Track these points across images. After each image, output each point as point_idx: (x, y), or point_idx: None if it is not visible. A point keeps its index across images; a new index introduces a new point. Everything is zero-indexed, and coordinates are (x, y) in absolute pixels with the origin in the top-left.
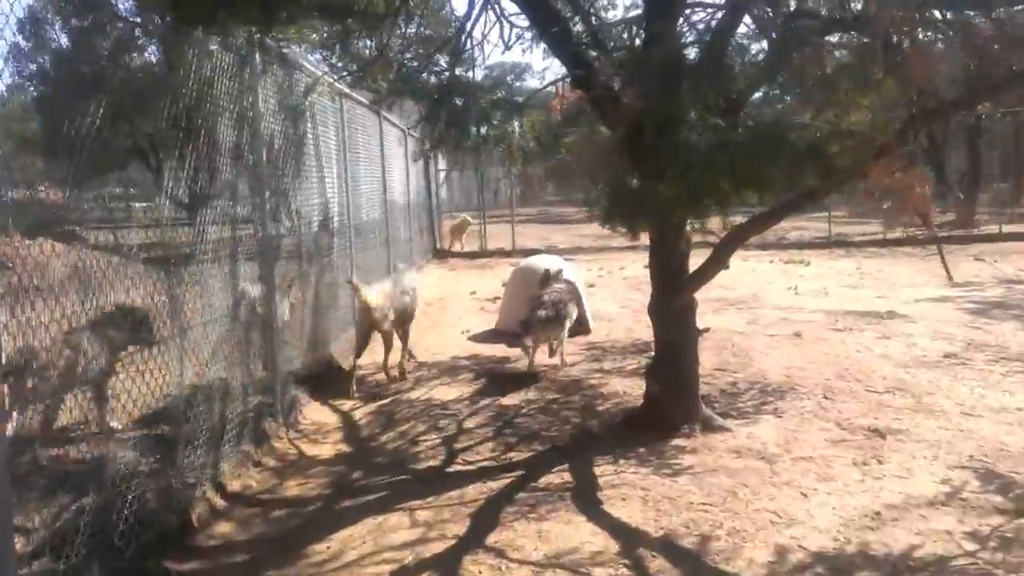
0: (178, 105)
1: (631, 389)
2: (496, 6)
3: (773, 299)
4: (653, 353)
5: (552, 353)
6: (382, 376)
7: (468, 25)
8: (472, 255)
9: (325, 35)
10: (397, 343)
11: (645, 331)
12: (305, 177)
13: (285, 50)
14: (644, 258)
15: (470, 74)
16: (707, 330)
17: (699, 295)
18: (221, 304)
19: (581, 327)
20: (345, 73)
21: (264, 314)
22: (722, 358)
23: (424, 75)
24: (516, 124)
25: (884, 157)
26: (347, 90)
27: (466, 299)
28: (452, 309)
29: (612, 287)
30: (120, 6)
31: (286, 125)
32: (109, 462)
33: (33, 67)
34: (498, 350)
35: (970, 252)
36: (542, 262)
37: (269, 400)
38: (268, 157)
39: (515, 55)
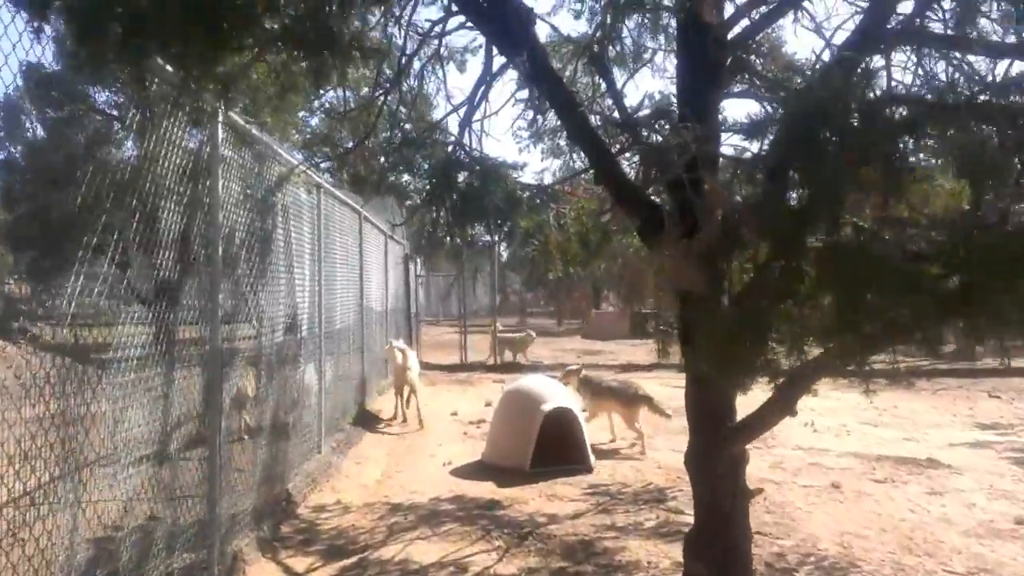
0: (104, 178)
1: (656, 558)
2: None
3: (791, 437)
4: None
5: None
6: (346, 523)
7: (479, 92)
8: (451, 367)
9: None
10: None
11: (655, 471)
12: (272, 277)
13: (255, 130)
14: (640, 377)
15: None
16: (760, 491)
17: None
18: (144, 427)
19: (580, 465)
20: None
21: (208, 439)
22: (757, 516)
23: (425, 149)
24: (551, 216)
25: None
26: (327, 184)
27: (446, 421)
28: (431, 433)
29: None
30: (97, 98)
31: (252, 217)
32: None
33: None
34: (486, 489)
35: (982, 387)
36: (535, 386)
37: (202, 557)
38: (226, 252)
39: (510, 151)
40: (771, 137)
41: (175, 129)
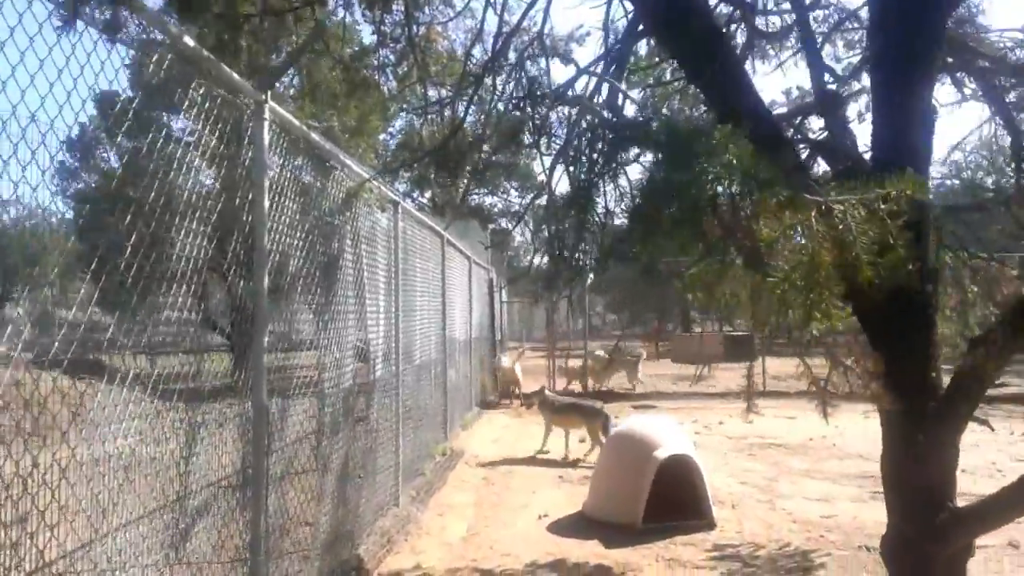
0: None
1: None
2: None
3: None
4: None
5: None
6: None
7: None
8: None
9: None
10: None
11: (789, 526)
12: (338, 309)
13: (314, 134)
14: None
15: None
16: None
17: (835, 471)
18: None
19: (700, 520)
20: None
21: (252, 493)
22: None
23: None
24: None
25: None
26: (405, 203)
27: (538, 462)
28: (521, 478)
29: (718, 450)
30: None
31: (311, 239)
32: None
33: (79, 186)
34: (591, 551)
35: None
36: (647, 429)
37: None
38: (273, 279)
39: None
40: None
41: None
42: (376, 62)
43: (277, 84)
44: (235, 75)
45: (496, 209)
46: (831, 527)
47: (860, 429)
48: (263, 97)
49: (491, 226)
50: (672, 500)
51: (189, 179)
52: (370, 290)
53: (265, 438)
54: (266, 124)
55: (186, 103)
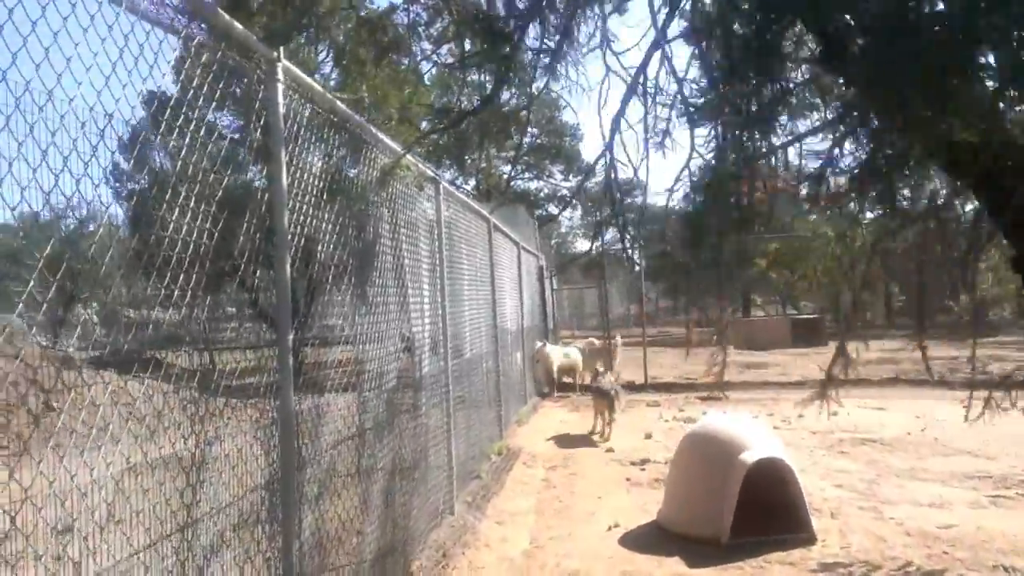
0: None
1: None
2: None
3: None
4: None
5: None
6: None
7: None
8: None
9: None
10: None
11: (903, 539)
12: (376, 298)
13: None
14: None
15: None
16: None
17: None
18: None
19: (798, 534)
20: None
21: (281, 523)
22: None
23: None
24: None
25: None
26: (446, 183)
27: (602, 460)
28: (585, 481)
29: (802, 447)
30: (221, 122)
31: (342, 220)
32: None
33: (133, 186)
34: (671, 571)
35: None
36: (729, 428)
37: None
38: (297, 265)
39: None
40: None
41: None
42: (407, 19)
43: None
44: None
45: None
46: (953, 540)
47: (959, 421)
48: (275, 55)
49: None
50: (762, 510)
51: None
52: (412, 278)
53: (296, 448)
54: (280, 87)
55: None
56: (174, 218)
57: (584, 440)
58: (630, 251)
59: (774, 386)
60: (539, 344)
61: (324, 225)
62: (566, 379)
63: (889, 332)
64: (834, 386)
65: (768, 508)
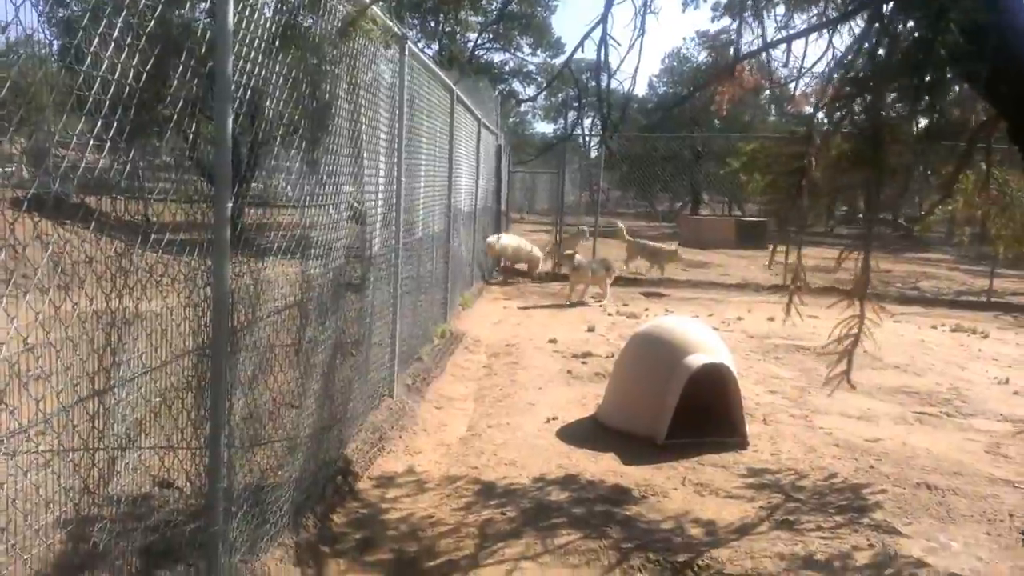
0: None
1: None
2: None
3: (985, 398)
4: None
5: None
6: (421, 510)
7: None
8: (543, 278)
9: None
10: None
11: (832, 451)
12: (328, 164)
13: None
14: (753, 301)
15: None
16: None
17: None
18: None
19: (731, 439)
20: None
21: (210, 367)
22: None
23: None
24: None
25: None
26: (412, 43)
27: (544, 351)
28: (526, 370)
29: (739, 351)
30: None
31: (295, 75)
32: None
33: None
34: (607, 467)
35: None
36: (677, 330)
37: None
38: (241, 119)
39: None
40: None
41: None
42: None
43: None
44: None
45: (507, 68)
46: (879, 455)
47: (893, 335)
48: None
49: (500, 86)
50: (699, 413)
51: None
52: (368, 147)
53: (228, 316)
54: None
55: None
56: (108, 54)
57: (527, 329)
58: (607, 138)
59: (717, 287)
60: (494, 237)
61: (274, 78)
62: (519, 266)
63: (827, 239)
64: (791, 294)
65: (705, 411)
